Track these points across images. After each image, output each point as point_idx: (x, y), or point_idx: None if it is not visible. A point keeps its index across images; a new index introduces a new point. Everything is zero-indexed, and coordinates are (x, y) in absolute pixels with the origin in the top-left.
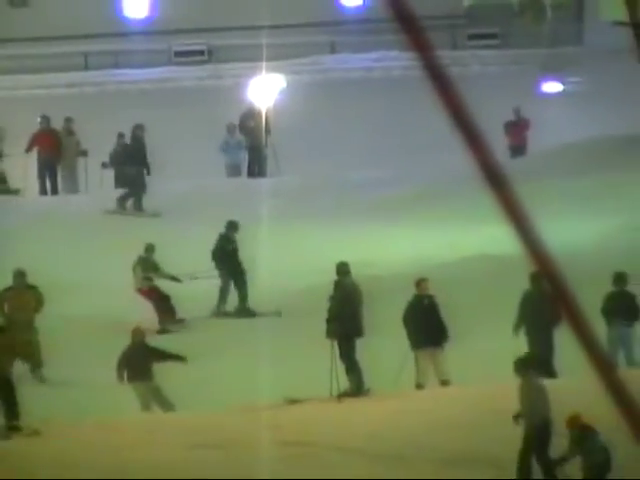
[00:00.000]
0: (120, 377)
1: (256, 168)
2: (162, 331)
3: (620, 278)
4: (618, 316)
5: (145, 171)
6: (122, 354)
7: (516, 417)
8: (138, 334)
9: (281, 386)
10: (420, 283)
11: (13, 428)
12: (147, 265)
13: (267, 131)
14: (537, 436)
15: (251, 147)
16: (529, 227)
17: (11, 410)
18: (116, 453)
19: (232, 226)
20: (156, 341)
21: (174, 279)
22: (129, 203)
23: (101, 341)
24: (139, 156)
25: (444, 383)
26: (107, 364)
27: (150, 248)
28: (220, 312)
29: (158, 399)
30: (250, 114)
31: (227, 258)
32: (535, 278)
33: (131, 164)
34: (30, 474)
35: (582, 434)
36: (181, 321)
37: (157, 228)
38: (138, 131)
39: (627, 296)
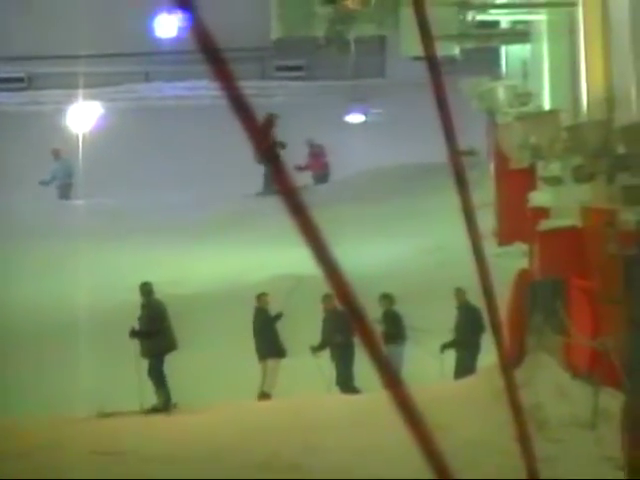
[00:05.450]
0: None
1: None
2: None
3: (385, 298)
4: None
5: None
6: None
7: None
8: None
9: (96, 399)
10: (260, 297)
11: None
12: None
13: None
14: None
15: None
16: (325, 251)
17: None
18: None
19: None
20: None
21: None
22: None
23: None
24: None
25: (265, 396)
26: None
27: None
28: None
29: None
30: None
31: None
32: (327, 298)
33: None
34: None
35: None
36: None
37: None
38: None
39: (393, 316)
